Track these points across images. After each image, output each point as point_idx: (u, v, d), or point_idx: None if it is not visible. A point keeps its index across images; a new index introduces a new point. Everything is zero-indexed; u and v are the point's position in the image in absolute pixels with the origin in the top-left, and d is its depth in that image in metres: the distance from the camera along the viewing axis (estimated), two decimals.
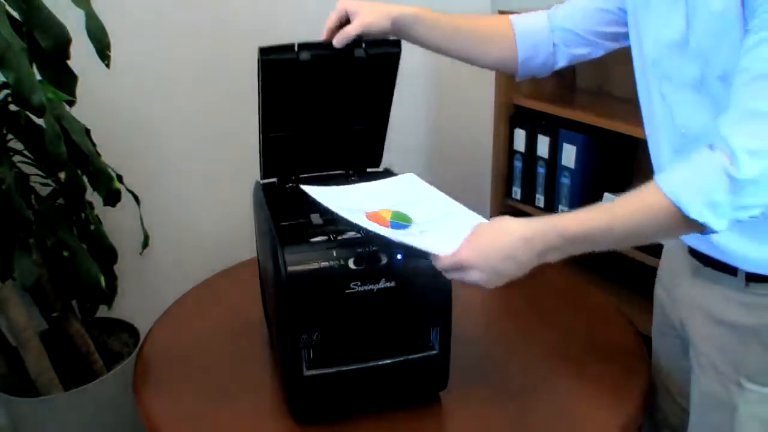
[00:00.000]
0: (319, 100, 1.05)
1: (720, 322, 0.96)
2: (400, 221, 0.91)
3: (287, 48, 0.97)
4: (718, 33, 0.81)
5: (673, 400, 1.13)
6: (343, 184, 1.09)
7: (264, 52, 0.96)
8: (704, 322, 0.99)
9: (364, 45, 0.99)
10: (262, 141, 1.09)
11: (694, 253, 1.00)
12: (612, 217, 0.83)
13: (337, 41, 0.97)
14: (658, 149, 0.99)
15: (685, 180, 0.80)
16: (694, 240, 0.99)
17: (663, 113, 0.95)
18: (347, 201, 0.95)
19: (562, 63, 1.10)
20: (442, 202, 0.98)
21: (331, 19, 0.99)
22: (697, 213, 0.78)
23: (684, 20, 0.86)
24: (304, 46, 0.97)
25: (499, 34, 1.09)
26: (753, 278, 0.91)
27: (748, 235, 0.90)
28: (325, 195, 0.95)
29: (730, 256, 0.93)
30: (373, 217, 0.90)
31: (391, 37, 1.03)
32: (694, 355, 1.02)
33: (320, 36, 1.00)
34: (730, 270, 0.93)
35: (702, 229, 0.80)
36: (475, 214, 0.93)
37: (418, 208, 0.94)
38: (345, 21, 0.99)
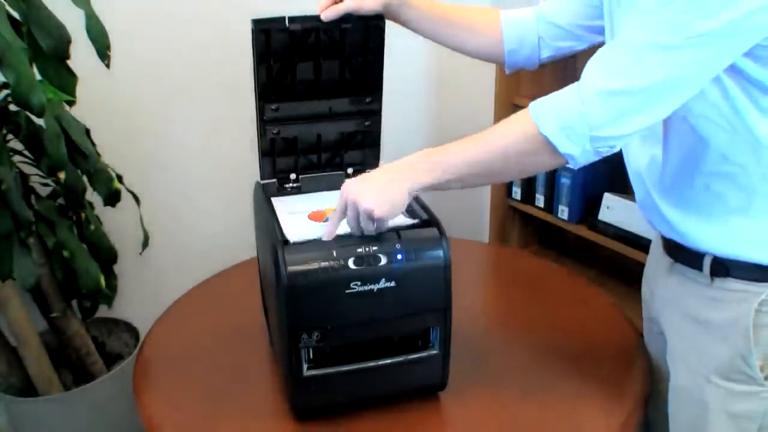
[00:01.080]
0: (312, 72, 1.07)
1: (689, 317, 0.98)
2: None
3: (279, 20, 1.00)
4: None
5: (664, 398, 1.14)
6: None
7: (257, 23, 1.00)
8: (675, 318, 1.02)
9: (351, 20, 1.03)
10: (261, 141, 1.09)
11: (667, 248, 1.02)
12: (473, 137, 0.89)
13: (326, 15, 1.00)
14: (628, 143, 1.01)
15: (549, 101, 0.85)
16: (662, 225, 1.00)
17: None
18: (309, 205, 1.06)
19: (546, 55, 1.12)
20: None
21: None
22: (550, 131, 0.83)
23: None
24: (294, 19, 1.01)
25: (487, 25, 1.12)
26: (717, 273, 0.93)
27: (695, 212, 0.93)
28: (285, 202, 1.07)
29: (691, 239, 0.95)
30: (313, 215, 1.03)
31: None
32: (669, 351, 1.04)
33: None
34: (696, 264, 0.95)
35: (560, 156, 0.84)
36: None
37: None
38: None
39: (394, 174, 0.91)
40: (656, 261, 1.09)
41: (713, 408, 0.96)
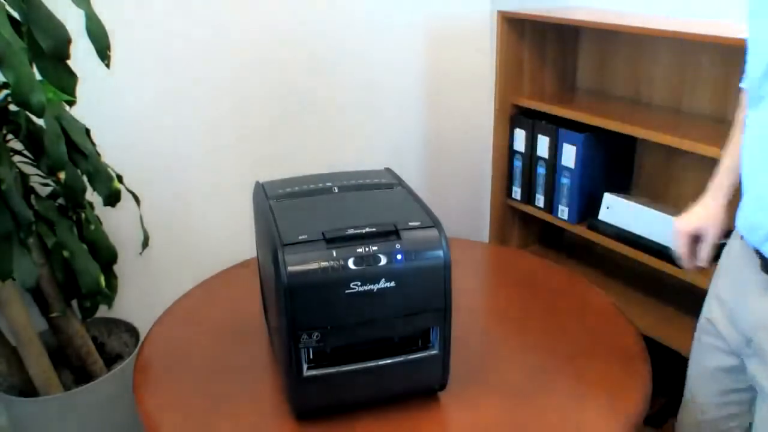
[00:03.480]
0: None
1: None
2: None
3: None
4: None
5: (688, 410, 1.12)
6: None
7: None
8: None
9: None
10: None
11: (766, 267, 0.94)
12: None
13: None
14: None
15: None
16: None
17: None
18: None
19: None
20: None
21: None
22: None
23: None
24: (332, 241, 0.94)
25: None
26: None
27: None
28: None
29: None
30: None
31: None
32: (766, 377, 0.97)
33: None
34: None
35: None
36: None
37: None
38: None
39: None
40: (742, 278, 1.01)
41: None
